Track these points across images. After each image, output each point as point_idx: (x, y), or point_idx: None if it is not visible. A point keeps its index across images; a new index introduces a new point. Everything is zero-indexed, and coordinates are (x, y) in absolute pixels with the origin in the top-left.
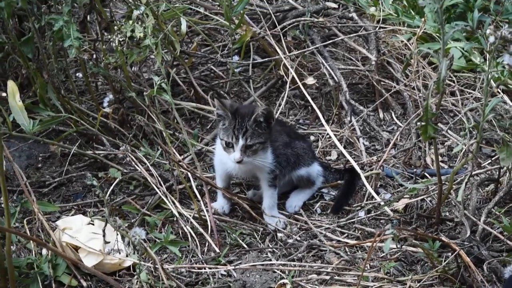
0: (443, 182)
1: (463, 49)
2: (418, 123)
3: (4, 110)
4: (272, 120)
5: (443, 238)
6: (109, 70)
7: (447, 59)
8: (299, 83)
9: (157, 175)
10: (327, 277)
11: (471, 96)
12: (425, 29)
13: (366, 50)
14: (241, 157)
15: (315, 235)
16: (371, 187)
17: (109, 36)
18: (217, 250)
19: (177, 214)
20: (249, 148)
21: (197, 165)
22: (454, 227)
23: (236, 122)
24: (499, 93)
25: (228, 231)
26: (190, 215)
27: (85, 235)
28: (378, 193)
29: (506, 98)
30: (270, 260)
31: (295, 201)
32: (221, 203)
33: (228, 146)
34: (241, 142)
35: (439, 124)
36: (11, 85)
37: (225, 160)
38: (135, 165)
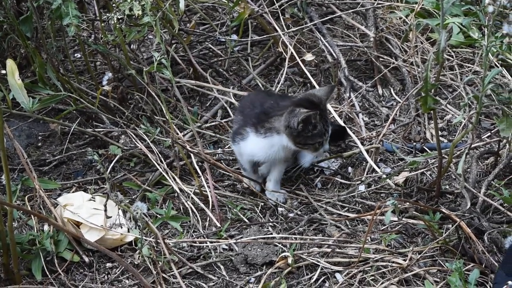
0: (442, 155)
1: (461, 24)
2: (418, 97)
3: (4, 89)
4: None
5: (444, 210)
6: (108, 49)
7: (446, 30)
8: (298, 60)
9: (157, 152)
10: (329, 250)
11: (470, 70)
12: (423, 5)
13: (364, 27)
14: None
15: (316, 209)
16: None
17: (107, 15)
18: (218, 225)
19: (178, 190)
20: None
21: (198, 141)
22: (454, 199)
23: (322, 118)
24: (498, 66)
25: (229, 206)
26: (191, 191)
27: (86, 211)
28: (378, 167)
29: (504, 71)
30: (271, 234)
31: (307, 157)
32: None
33: (319, 144)
34: (329, 131)
35: (438, 99)
36: (10, 63)
37: (255, 152)
38: (136, 142)
